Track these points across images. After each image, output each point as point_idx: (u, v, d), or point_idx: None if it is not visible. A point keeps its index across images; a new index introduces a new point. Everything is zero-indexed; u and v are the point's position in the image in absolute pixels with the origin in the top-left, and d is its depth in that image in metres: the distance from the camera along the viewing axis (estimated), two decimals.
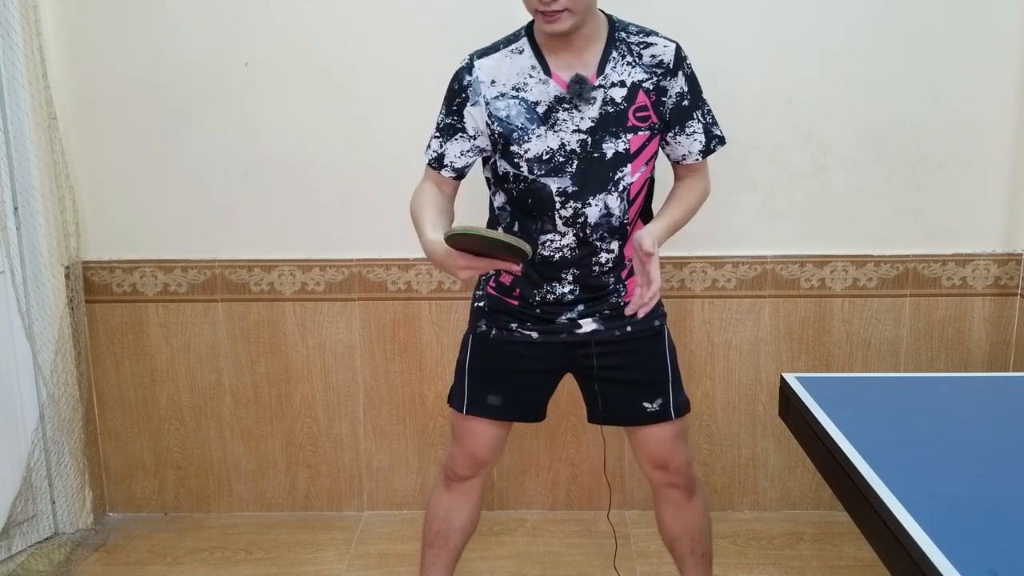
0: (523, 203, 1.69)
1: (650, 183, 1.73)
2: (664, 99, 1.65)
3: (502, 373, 1.77)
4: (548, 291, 1.72)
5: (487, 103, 1.64)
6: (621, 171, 1.64)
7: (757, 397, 2.54)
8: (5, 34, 2.15)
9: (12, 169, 2.24)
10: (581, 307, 1.72)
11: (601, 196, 1.64)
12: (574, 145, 1.62)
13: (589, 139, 1.62)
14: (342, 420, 2.57)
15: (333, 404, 2.56)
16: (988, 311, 2.47)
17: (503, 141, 1.64)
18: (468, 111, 1.65)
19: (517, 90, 1.63)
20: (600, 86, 1.61)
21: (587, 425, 1.87)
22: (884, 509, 1.14)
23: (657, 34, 1.66)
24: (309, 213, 2.43)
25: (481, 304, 1.79)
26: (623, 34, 1.64)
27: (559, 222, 1.66)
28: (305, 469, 2.60)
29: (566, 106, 1.61)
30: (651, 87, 1.64)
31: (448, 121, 1.68)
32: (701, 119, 1.70)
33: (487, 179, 1.77)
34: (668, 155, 1.74)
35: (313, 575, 2.33)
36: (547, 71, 1.62)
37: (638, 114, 1.63)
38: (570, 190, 1.64)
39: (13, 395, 2.33)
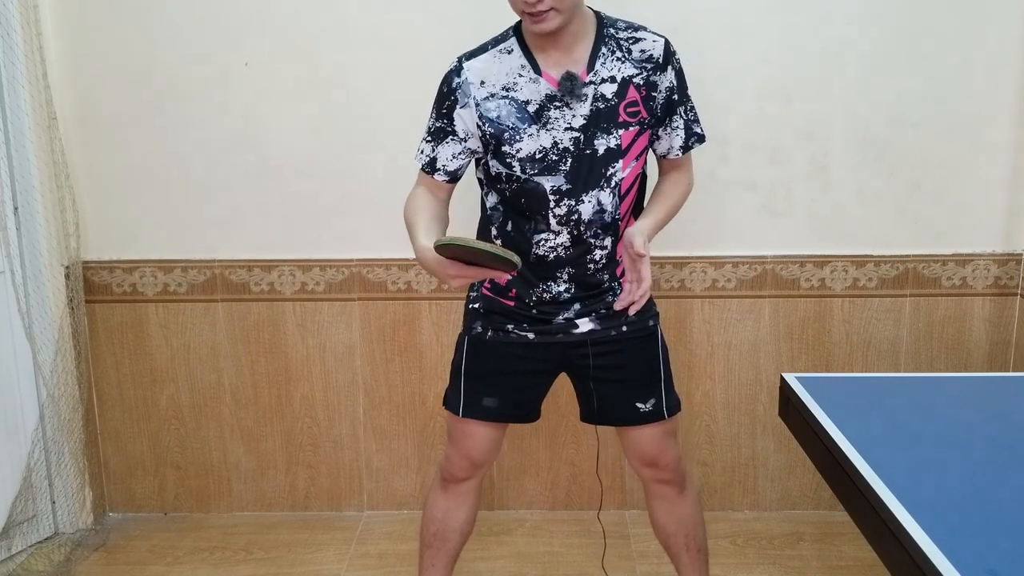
0: (516, 203, 1.69)
1: (642, 179, 1.73)
2: (654, 94, 1.65)
3: (498, 375, 1.77)
4: (544, 290, 1.72)
5: (477, 104, 1.63)
6: (613, 167, 1.64)
7: (757, 397, 2.54)
8: (5, 34, 2.15)
9: (12, 169, 2.24)
10: (577, 306, 1.72)
11: (594, 192, 1.64)
12: (567, 143, 1.62)
13: (582, 136, 1.62)
14: (342, 420, 2.57)
15: (333, 404, 2.56)
16: (988, 311, 2.47)
17: (495, 142, 1.64)
18: (458, 113, 1.65)
19: (507, 90, 1.62)
20: (591, 83, 1.61)
21: (587, 425, 1.87)
22: (884, 509, 1.14)
23: (646, 29, 1.66)
24: (309, 213, 2.43)
25: (476, 305, 1.79)
26: (611, 30, 1.64)
27: (553, 221, 1.66)
28: (305, 469, 2.60)
29: (557, 104, 1.61)
30: (641, 82, 1.63)
31: (438, 124, 1.67)
32: (683, 115, 1.71)
33: (479, 180, 1.77)
34: (654, 150, 1.75)
35: (313, 575, 2.33)
36: (537, 70, 1.61)
37: (628, 109, 1.63)
38: (564, 188, 1.64)
39: (13, 395, 2.33)
